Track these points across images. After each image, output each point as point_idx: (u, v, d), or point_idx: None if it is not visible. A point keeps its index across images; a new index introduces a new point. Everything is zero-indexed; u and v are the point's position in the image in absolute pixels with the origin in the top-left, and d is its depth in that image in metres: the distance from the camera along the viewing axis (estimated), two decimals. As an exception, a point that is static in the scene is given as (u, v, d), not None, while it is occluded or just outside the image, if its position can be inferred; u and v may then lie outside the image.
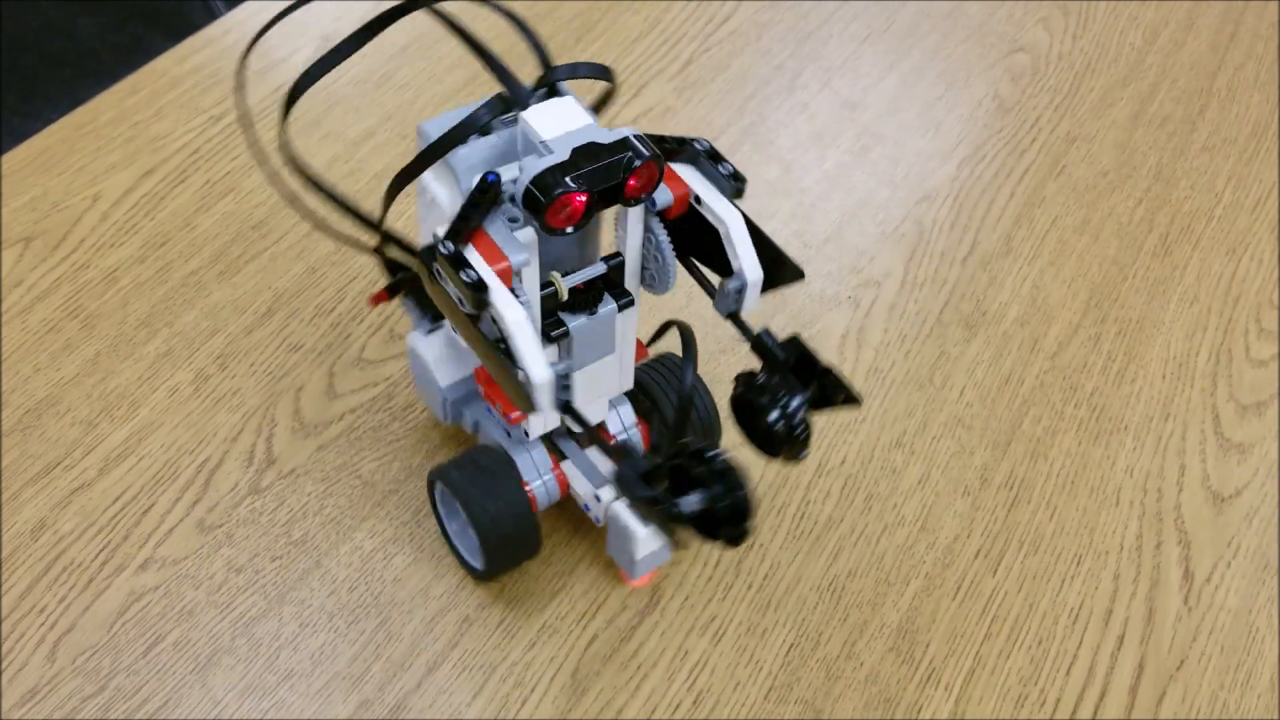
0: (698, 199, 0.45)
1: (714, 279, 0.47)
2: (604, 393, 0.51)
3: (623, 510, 0.50)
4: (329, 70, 0.47)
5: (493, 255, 0.42)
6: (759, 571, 0.56)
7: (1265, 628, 0.56)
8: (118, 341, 0.63)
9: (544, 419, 0.51)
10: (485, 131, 0.45)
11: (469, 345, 0.45)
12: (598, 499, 0.52)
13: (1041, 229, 0.73)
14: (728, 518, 0.40)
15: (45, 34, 1.50)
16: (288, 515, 0.57)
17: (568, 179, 0.40)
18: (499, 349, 0.41)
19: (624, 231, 0.46)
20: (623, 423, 0.54)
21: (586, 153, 0.41)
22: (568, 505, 0.55)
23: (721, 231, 0.44)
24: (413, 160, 0.44)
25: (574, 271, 0.46)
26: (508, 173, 0.43)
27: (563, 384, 0.48)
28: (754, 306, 0.45)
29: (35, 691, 0.51)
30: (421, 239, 0.49)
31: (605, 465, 0.54)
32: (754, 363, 0.46)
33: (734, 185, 0.44)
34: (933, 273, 0.70)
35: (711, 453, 0.40)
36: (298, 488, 0.58)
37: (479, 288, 0.40)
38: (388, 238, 0.49)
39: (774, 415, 0.43)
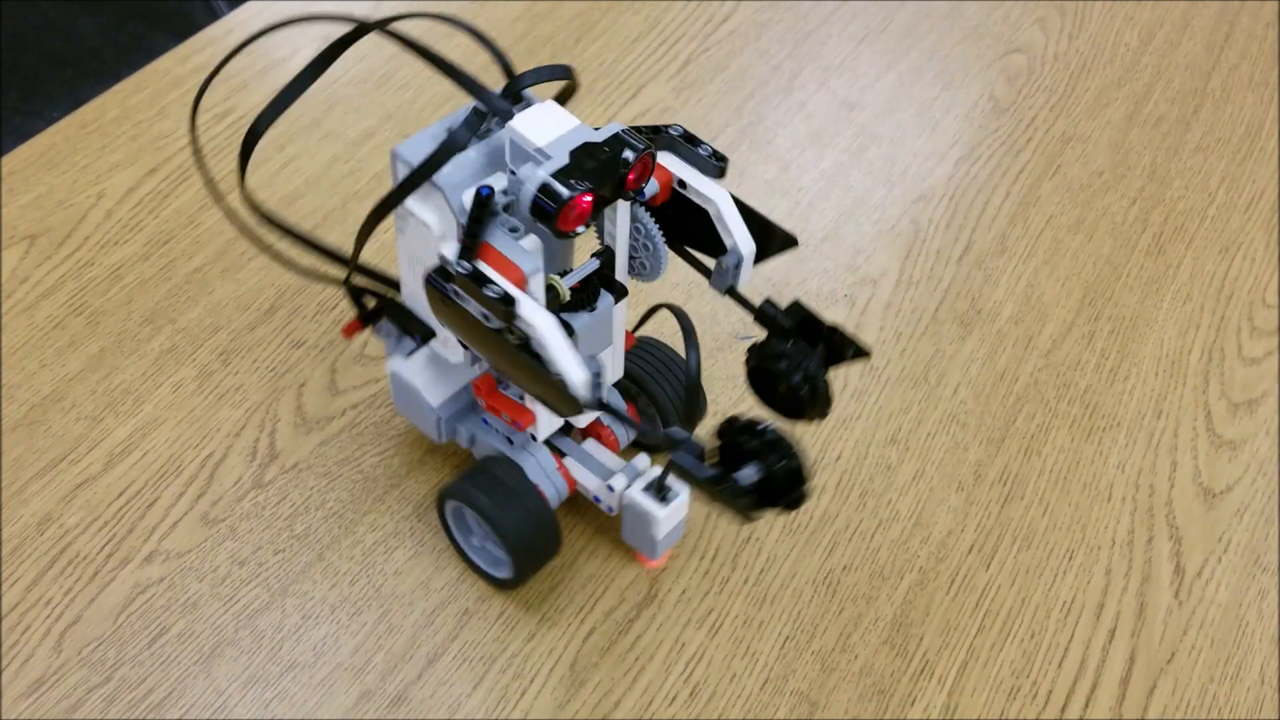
0: (682, 183, 0.45)
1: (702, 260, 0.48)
2: (603, 384, 0.52)
3: (638, 496, 0.51)
4: (284, 109, 0.46)
5: (505, 267, 0.42)
6: (755, 565, 0.57)
7: (1255, 622, 0.57)
8: (122, 338, 0.64)
9: (554, 423, 0.52)
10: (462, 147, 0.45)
11: (493, 360, 0.46)
12: (610, 489, 0.52)
13: (1036, 228, 0.73)
14: (784, 484, 0.41)
15: (46, 33, 1.51)
16: (290, 509, 0.58)
17: (572, 181, 0.41)
18: (533, 357, 0.42)
19: (612, 225, 0.47)
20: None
21: (584, 153, 0.42)
22: (565, 501, 0.56)
23: (711, 211, 0.45)
24: (395, 189, 0.44)
25: (568, 271, 0.47)
26: (497, 184, 0.44)
27: (596, 381, 0.48)
28: (749, 278, 0.46)
29: (42, 681, 0.52)
30: (402, 266, 0.49)
31: (605, 456, 0.54)
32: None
33: (716, 165, 0.45)
34: (928, 271, 0.70)
35: (761, 425, 0.41)
36: (300, 482, 0.58)
37: (508, 301, 0.41)
38: (363, 271, 0.50)
39: (796, 378, 0.44)
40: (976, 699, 0.54)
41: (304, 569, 0.56)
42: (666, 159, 0.46)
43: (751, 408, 0.63)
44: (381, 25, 0.45)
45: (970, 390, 0.65)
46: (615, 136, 0.43)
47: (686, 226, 0.47)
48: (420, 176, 0.43)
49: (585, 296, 0.47)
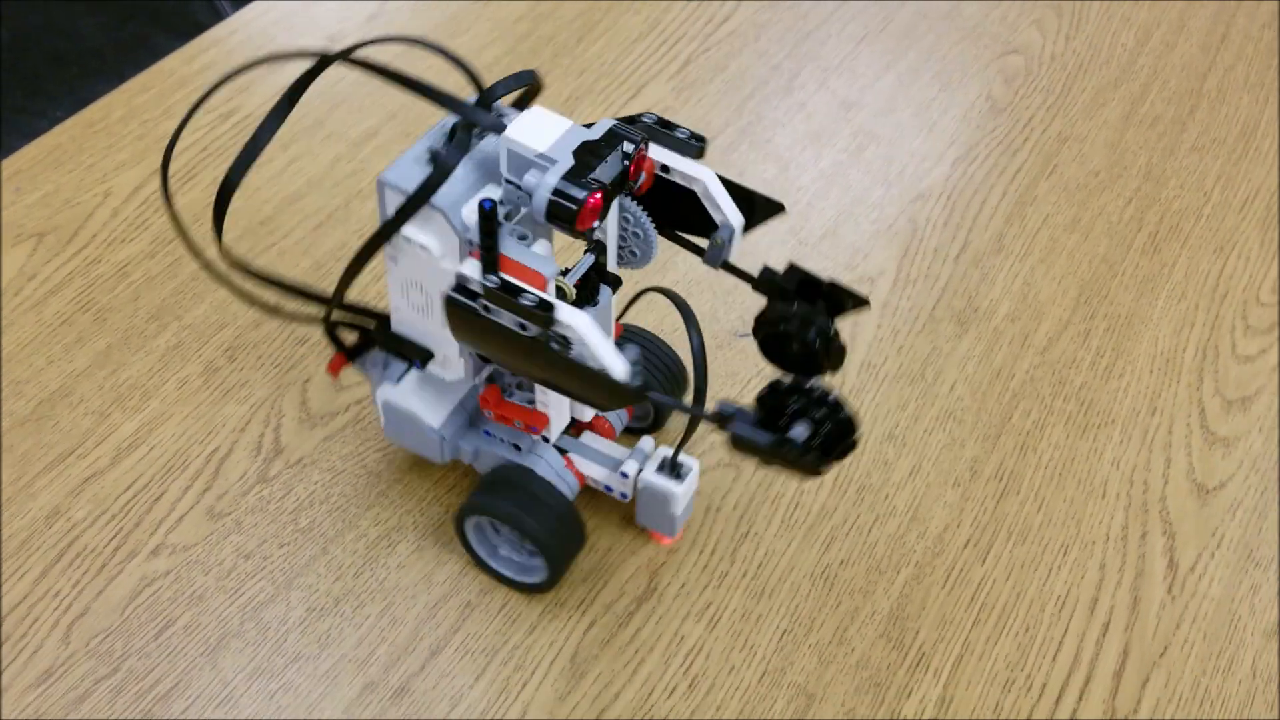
0: (665, 168, 0.46)
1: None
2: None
3: (653, 477, 0.53)
4: (255, 159, 0.45)
5: (526, 275, 0.43)
6: (754, 560, 0.58)
7: (1247, 616, 0.58)
8: (129, 334, 0.64)
9: (564, 421, 0.53)
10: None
11: (527, 368, 0.46)
12: (624, 475, 0.54)
13: (1033, 227, 0.74)
14: (835, 437, 0.42)
15: (49, 33, 1.52)
16: (295, 503, 0.58)
17: (584, 180, 0.42)
18: (569, 358, 0.43)
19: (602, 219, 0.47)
20: None
21: (586, 152, 0.43)
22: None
23: (699, 190, 0.46)
24: (393, 217, 0.44)
25: (567, 270, 0.47)
26: (493, 195, 0.44)
27: (636, 370, 0.49)
28: (738, 249, 0.48)
29: (50, 673, 0.52)
30: (394, 294, 0.49)
31: (607, 446, 0.55)
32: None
33: (696, 146, 0.46)
34: (926, 270, 0.71)
35: (806, 384, 0.42)
36: (305, 477, 0.59)
37: (546, 307, 0.41)
38: (345, 308, 0.50)
39: (810, 334, 0.45)
40: (972, 692, 0.55)
41: (308, 562, 0.56)
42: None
43: (744, 394, 0.64)
44: (344, 55, 0.44)
45: (967, 387, 0.66)
46: (610, 132, 0.44)
47: (671, 210, 0.48)
48: (418, 202, 0.43)
49: (586, 292, 0.48)
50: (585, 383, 0.43)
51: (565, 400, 0.52)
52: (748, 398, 0.64)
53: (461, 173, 0.45)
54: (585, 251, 0.48)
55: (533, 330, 0.42)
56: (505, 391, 0.52)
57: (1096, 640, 0.56)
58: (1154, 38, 0.88)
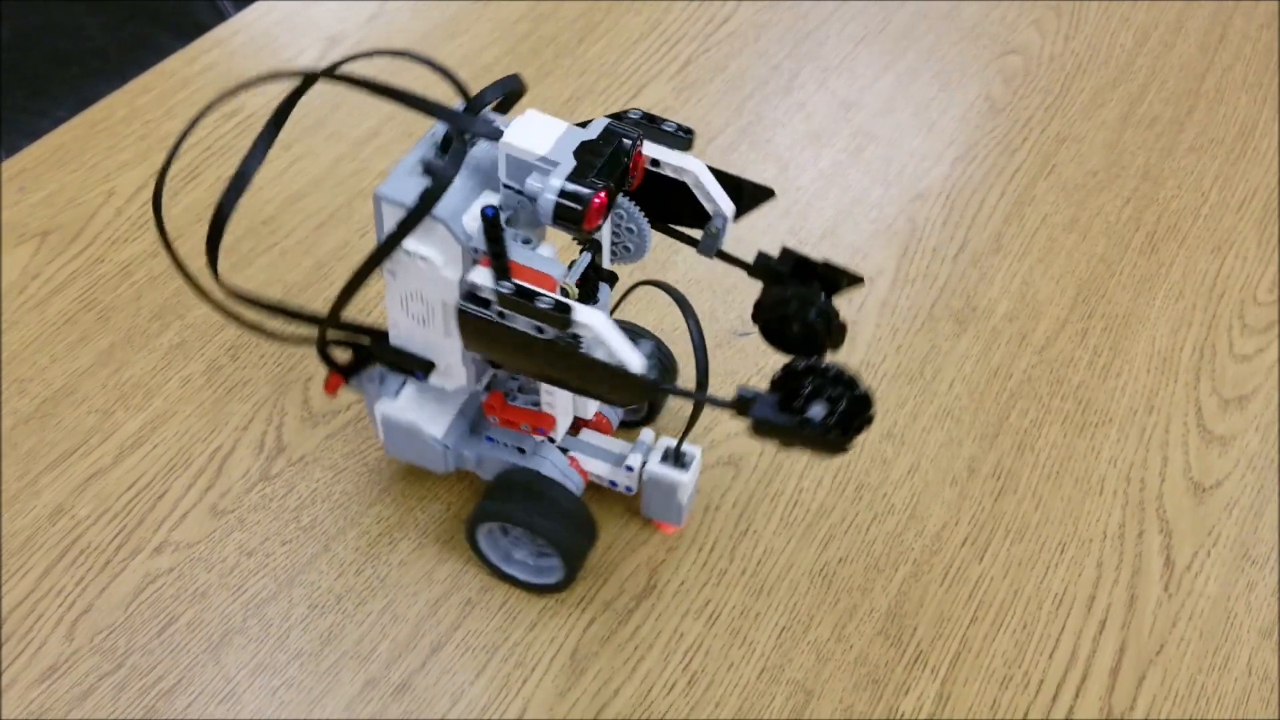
0: (655, 162, 0.47)
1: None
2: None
3: (658, 468, 0.54)
4: (246, 185, 0.44)
5: (535, 278, 0.43)
6: (752, 557, 0.58)
7: (1243, 614, 0.58)
8: (132, 333, 0.65)
9: (569, 420, 0.53)
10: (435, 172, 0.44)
11: (544, 371, 0.46)
12: (629, 469, 0.54)
13: (1031, 227, 0.74)
14: (852, 413, 0.42)
15: (50, 32, 1.52)
16: (297, 501, 0.59)
17: (589, 180, 0.42)
18: (590, 357, 0.43)
19: None
20: None
21: (586, 152, 0.43)
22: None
23: (690, 181, 0.47)
24: (395, 231, 0.43)
25: (569, 269, 0.48)
26: (491, 201, 0.44)
27: (651, 363, 0.50)
28: (730, 235, 0.48)
29: (55, 669, 0.53)
30: (392, 308, 0.49)
31: (607, 442, 0.56)
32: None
33: (684, 138, 0.46)
34: (924, 269, 0.71)
35: (821, 363, 0.42)
36: (307, 475, 0.60)
37: (564, 309, 0.42)
38: (341, 326, 0.50)
39: (812, 314, 0.46)
40: (969, 689, 0.55)
41: (310, 559, 0.57)
42: None
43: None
44: (328, 72, 0.44)
45: (965, 386, 0.66)
46: (608, 130, 0.44)
47: (662, 204, 0.48)
48: (419, 215, 0.43)
49: (587, 290, 0.48)
50: (606, 379, 0.44)
51: (569, 400, 0.52)
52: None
53: (457, 182, 0.45)
54: (581, 250, 0.48)
55: (549, 333, 0.43)
56: (509, 396, 0.53)
57: (1093, 638, 0.57)
58: (1152, 38, 0.88)
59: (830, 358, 0.44)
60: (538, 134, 0.44)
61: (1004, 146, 0.79)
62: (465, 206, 0.44)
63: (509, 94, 0.48)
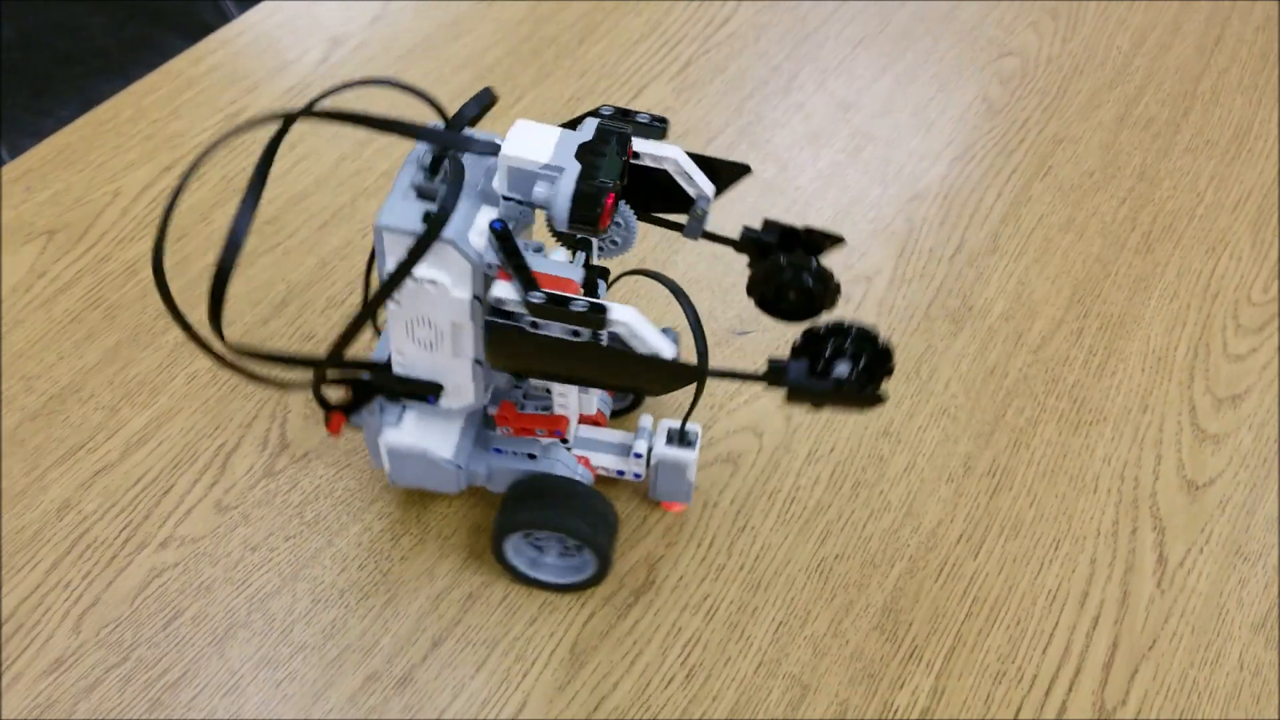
0: (635, 154, 0.48)
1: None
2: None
3: (666, 451, 0.55)
4: (244, 240, 0.41)
5: (559, 284, 0.44)
6: (750, 553, 0.59)
7: (1235, 610, 0.59)
8: (138, 331, 0.66)
9: (577, 419, 0.54)
10: (430, 195, 0.45)
11: (583, 372, 0.47)
12: (637, 456, 0.55)
13: (1028, 227, 0.75)
14: (875, 368, 0.44)
15: (54, 31, 1.53)
16: (301, 497, 0.59)
17: (598, 182, 0.43)
18: (628, 351, 0.44)
19: None
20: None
21: (587, 153, 0.44)
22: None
23: (670, 168, 0.47)
24: (408, 257, 0.42)
25: None
26: (491, 216, 0.45)
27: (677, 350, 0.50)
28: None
29: (61, 661, 0.54)
30: (396, 336, 0.48)
31: (607, 434, 0.57)
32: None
33: (659, 127, 0.47)
34: (921, 269, 0.72)
35: (844, 325, 0.44)
36: (310, 471, 0.60)
37: (600, 309, 0.43)
38: (341, 365, 0.49)
39: (806, 278, 0.47)
40: (963, 683, 0.56)
41: (314, 554, 0.58)
42: None
43: (741, 391, 0.65)
44: (307, 110, 0.44)
45: (961, 385, 0.67)
46: (600, 130, 0.45)
47: (643, 194, 0.49)
48: (428, 240, 0.42)
49: (586, 288, 0.49)
50: (646, 370, 0.45)
51: (577, 399, 0.53)
52: (747, 395, 0.65)
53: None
54: (573, 250, 0.49)
55: (585, 334, 0.44)
56: (518, 405, 0.53)
57: (1086, 633, 0.58)
58: (1149, 40, 0.89)
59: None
60: (534, 143, 0.44)
61: (1001, 147, 0.80)
62: (467, 225, 0.44)
63: (485, 107, 0.48)
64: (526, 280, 0.43)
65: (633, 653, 0.55)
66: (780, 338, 0.68)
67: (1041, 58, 0.87)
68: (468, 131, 0.46)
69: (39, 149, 0.74)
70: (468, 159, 0.46)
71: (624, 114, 0.47)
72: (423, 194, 0.45)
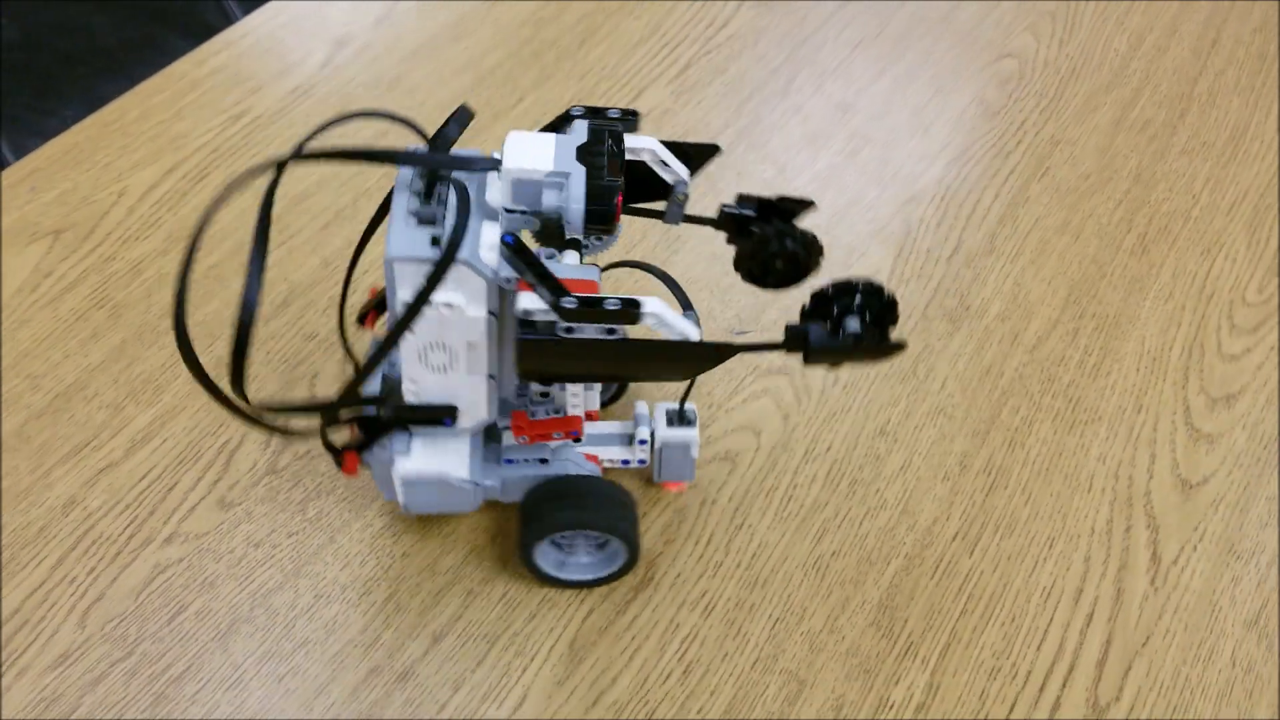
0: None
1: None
2: None
3: (669, 432, 0.56)
4: (260, 289, 0.42)
5: (581, 287, 0.44)
6: (748, 551, 0.60)
7: (1227, 607, 0.59)
8: (142, 330, 0.66)
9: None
10: (430, 220, 0.45)
11: (617, 368, 0.48)
12: (642, 443, 0.57)
13: (1024, 228, 0.76)
14: (883, 317, 0.46)
15: (58, 31, 1.54)
16: (303, 494, 0.60)
17: (607, 182, 0.44)
18: (662, 341, 0.45)
19: None
20: None
21: (588, 155, 0.45)
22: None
23: (648, 158, 0.48)
24: (427, 284, 0.42)
25: None
26: (495, 230, 0.45)
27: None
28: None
29: (67, 656, 0.54)
30: (409, 364, 0.48)
31: (606, 426, 0.58)
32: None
33: (631, 121, 0.48)
34: (918, 270, 0.73)
35: (852, 282, 0.46)
36: (312, 468, 0.61)
37: (634, 305, 0.43)
38: (358, 403, 0.50)
39: (790, 244, 0.48)
40: (958, 679, 0.56)
41: (316, 551, 0.58)
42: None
43: (739, 390, 0.65)
44: (297, 154, 0.43)
45: (957, 384, 0.67)
46: (594, 130, 0.46)
47: (625, 187, 0.50)
48: (446, 265, 0.42)
49: None
50: (677, 356, 0.46)
51: (584, 396, 0.53)
52: (745, 395, 0.66)
53: (452, 222, 0.44)
54: (564, 250, 0.50)
55: (622, 330, 0.44)
56: (529, 413, 0.54)
57: (1080, 630, 0.58)
58: (1146, 42, 0.89)
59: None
60: (533, 152, 0.44)
61: (998, 149, 0.80)
62: (475, 243, 0.44)
63: (463, 127, 0.48)
64: (555, 287, 0.43)
65: (631, 648, 0.56)
66: (779, 335, 0.68)
67: (1039, 60, 0.87)
68: (455, 150, 0.46)
69: (45, 149, 0.75)
70: (459, 177, 0.46)
71: (595, 112, 0.48)
72: (423, 220, 0.44)
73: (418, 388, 0.49)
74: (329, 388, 0.64)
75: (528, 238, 0.46)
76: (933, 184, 0.78)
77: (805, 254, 0.48)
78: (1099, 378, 0.68)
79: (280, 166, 0.44)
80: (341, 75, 0.81)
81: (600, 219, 0.44)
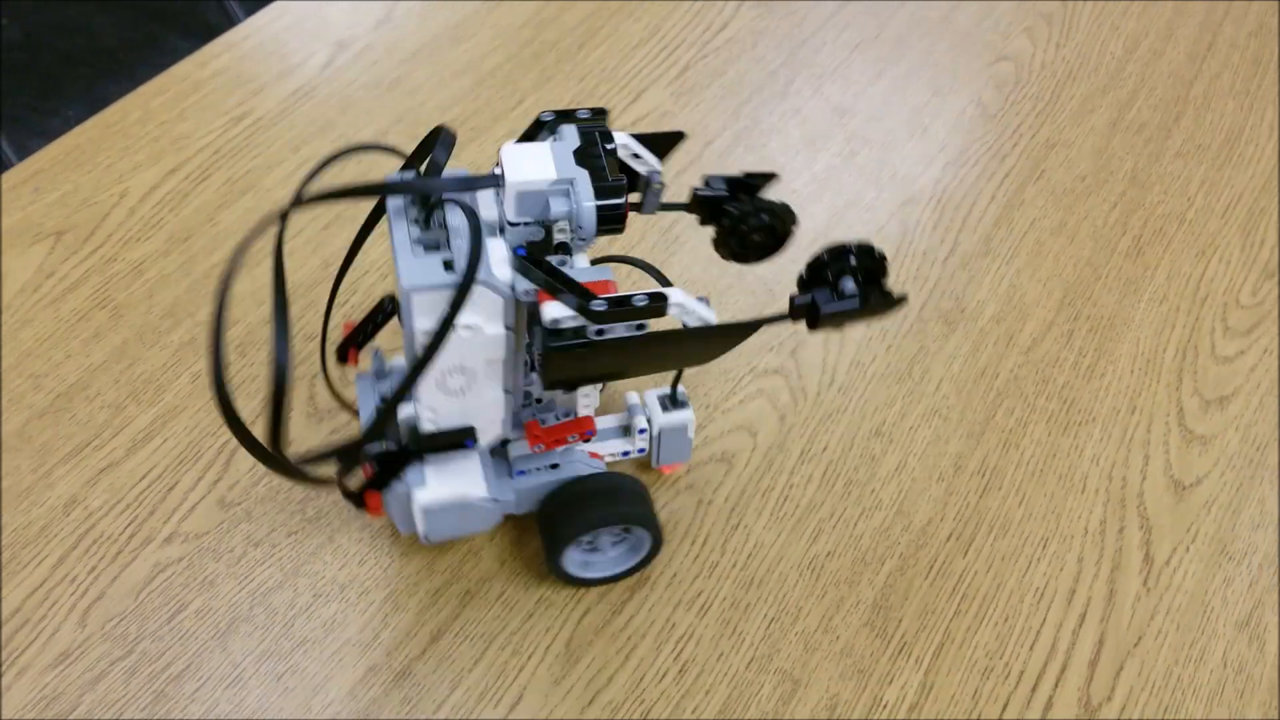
0: None
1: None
2: None
3: (665, 418, 0.57)
4: (287, 330, 0.42)
5: (600, 288, 0.45)
6: (743, 551, 0.60)
7: (1220, 608, 0.60)
8: (144, 330, 0.67)
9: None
10: (435, 245, 0.45)
11: (648, 362, 0.49)
12: (641, 432, 0.58)
13: (1020, 230, 0.76)
14: (874, 274, 0.47)
15: (61, 32, 1.54)
16: (303, 493, 0.61)
17: (613, 183, 0.44)
18: (692, 329, 0.46)
19: None
20: None
21: (588, 158, 0.45)
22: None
23: (623, 153, 0.49)
24: (450, 311, 0.41)
25: None
26: (503, 245, 0.45)
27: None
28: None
29: (67, 654, 0.55)
30: (426, 394, 0.48)
31: (601, 421, 0.58)
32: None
33: (601, 120, 0.49)
34: (915, 271, 0.73)
35: (848, 245, 0.47)
36: (313, 468, 0.61)
37: (660, 298, 0.44)
38: (381, 439, 0.49)
39: (763, 218, 0.49)
40: (952, 678, 0.57)
41: (315, 550, 0.59)
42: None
43: (736, 391, 0.66)
44: (299, 202, 0.44)
45: (952, 385, 0.68)
46: (585, 133, 0.46)
47: None
48: (467, 287, 0.41)
49: None
50: (702, 342, 0.47)
51: (594, 397, 0.54)
52: (742, 396, 0.66)
53: (460, 245, 0.44)
54: (556, 250, 0.50)
55: (646, 326, 0.45)
56: (541, 421, 0.54)
57: (1073, 630, 0.59)
58: (1142, 46, 0.90)
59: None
60: (533, 163, 0.44)
61: (994, 152, 0.81)
62: (487, 260, 0.44)
63: (449, 150, 0.48)
64: (581, 292, 0.44)
65: (627, 648, 0.56)
66: (776, 336, 0.69)
67: (1035, 63, 0.88)
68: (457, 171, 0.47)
69: (48, 150, 0.76)
70: (463, 198, 0.46)
71: (566, 114, 0.48)
72: (428, 247, 0.44)
73: (435, 415, 0.49)
74: (327, 389, 0.65)
75: None
76: (930, 186, 0.78)
77: (780, 223, 0.49)
78: (1093, 379, 0.69)
79: (284, 217, 0.44)
80: (343, 77, 0.81)
81: (613, 221, 0.44)
